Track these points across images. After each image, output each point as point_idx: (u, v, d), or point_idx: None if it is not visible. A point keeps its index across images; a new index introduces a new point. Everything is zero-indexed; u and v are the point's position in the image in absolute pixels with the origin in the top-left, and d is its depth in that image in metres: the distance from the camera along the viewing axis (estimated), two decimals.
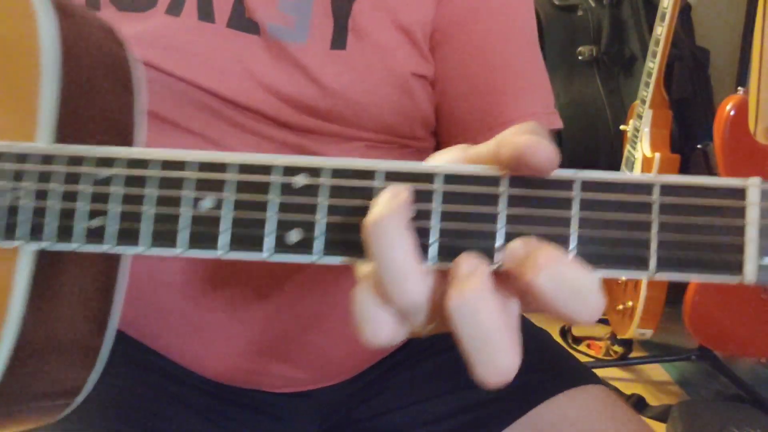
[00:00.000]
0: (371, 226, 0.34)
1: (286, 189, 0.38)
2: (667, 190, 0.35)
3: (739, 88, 1.64)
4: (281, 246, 0.37)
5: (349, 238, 0.37)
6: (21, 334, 0.43)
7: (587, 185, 0.35)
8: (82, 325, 0.48)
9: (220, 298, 0.68)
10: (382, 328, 0.35)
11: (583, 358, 1.82)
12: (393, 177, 0.37)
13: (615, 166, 1.89)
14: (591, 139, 2.03)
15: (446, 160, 0.39)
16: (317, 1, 0.68)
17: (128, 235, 0.39)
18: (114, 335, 0.50)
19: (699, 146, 1.81)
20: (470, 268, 0.35)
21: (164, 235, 0.39)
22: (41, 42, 0.46)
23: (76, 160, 0.40)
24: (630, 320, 1.70)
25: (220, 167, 0.39)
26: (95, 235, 0.39)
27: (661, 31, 1.63)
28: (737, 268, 0.34)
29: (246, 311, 0.69)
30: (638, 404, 1.64)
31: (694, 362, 1.78)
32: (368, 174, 0.37)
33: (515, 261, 0.34)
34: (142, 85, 0.53)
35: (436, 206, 0.36)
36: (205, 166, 0.39)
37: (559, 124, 0.75)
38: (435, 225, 0.36)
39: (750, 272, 0.34)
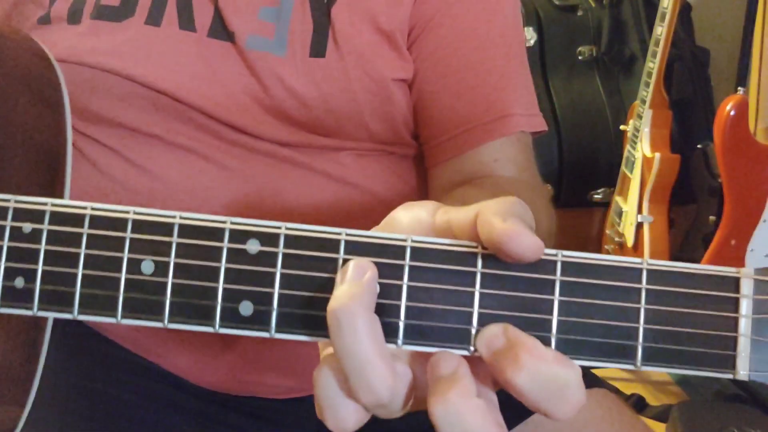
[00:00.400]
0: (333, 314, 0.32)
1: (236, 255, 0.34)
2: (655, 275, 0.33)
3: (739, 88, 1.64)
4: (232, 319, 0.34)
5: (304, 313, 0.34)
6: None
7: (569, 266, 0.33)
8: (6, 365, 0.44)
9: None
10: (346, 419, 0.33)
11: None
12: (356, 249, 0.33)
13: (615, 166, 1.89)
14: (591, 139, 2.03)
15: (412, 218, 0.36)
16: (296, 7, 0.67)
17: (56, 299, 0.35)
18: (41, 370, 0.46)
19: (699, 146, 1.81)
20: (450, 369, 0.32)
21: (99, 300, 0.34)
22: None
23: None
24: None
25: (163, 227, 0.34)
26: (18, 296, 0.35)
27: (661, 31, 1.63)
28: (730, 364, 0.33)
29: None
30: (638, 404, 1.64)
31: None
32: (331, 244, 0.33)
33: (492, 352, 0.32)
34: (67, 104, 0.49)
35: (405, 282, 0.33)
36: (144, 225, 0.35)
37: (542, 126, 0.73)
38: (403, 303, 0.33)
39: (742, 368, 0.32)
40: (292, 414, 0.74)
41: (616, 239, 1.78)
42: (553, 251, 0.33)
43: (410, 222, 0.36)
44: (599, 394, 0.72)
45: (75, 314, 0.35)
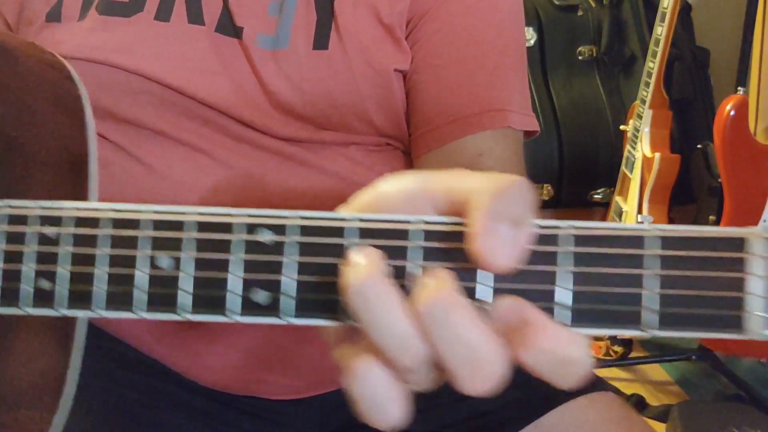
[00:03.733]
0: (355, 290, 0.32)
1: (251, 246, 0.35)
2: (666, 241, 0.33)
3: (739, 88, 1.65)
4: (249, 307, 0.35)
5: (321, 298, 0.34)
6: None
7: (579, 238, 0.33)
8: (39, 372, 0.45)
9: None
10: (394, 407, 0.33)
11: None
12: (369, 234, 0.34)
13: (615, 166, 1.89)
14: (591, 139, 2.03)
15: (403, 189, 0.35)
16: (301, 1, 0.68)
17: (80, 298, 0.36)
18: (77, 377, 0.47)
19: (699, 146, 1.81)
20: (435, 274, 0.33)
21: (119, 298, 0.35)
22: None
23: (18, 219, 0.37)
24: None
25: (177, 225, 0.35)
26: (44, 297, 0.36)
27: (661, 31, 1.63)
28: (738, 324, 0.32)
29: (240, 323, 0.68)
30: (638, 404, 1.64)
31: (694, 362, 1.77)
32: (338, 231, 0.34)
33: (505, 326, 0.33)
34: (90, 112, 0.50)
35: (413, 264, 0.33)
36: (161, 224, 0.36)
37: (533, 126, 0.73)
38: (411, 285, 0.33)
39: (753, 328, 0.32)
40: (295, 415, 0.74)
41: None
42: (560, 222, 0.33)
43: (402, 194, 0.35)
44: (607, 398, 0.72)
45: (97, 312, 0.36)
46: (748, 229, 0.33)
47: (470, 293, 0.33)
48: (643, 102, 1.72)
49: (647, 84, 1.70)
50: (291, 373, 0.71)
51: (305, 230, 0.34)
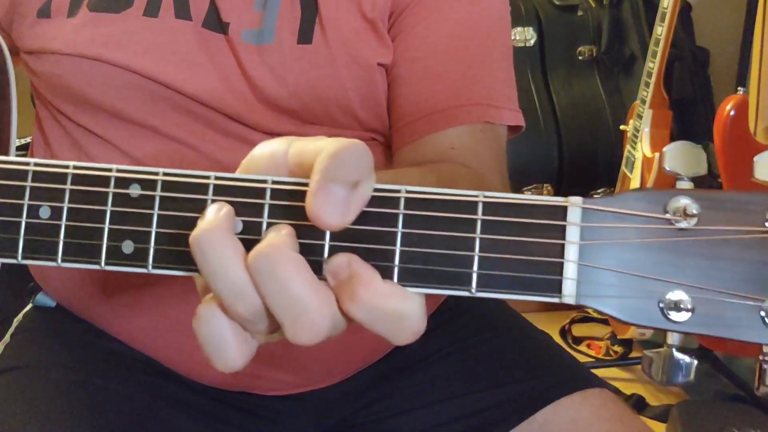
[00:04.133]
0: (195, 241, 0.35)
1: (121, 199, 0.38)
2: (490, 207, 0.35)
3: (739, 88, 1.64)
4: (116, 257, 0.38)
5: (179, 249, 0.37)
6: None
7: (411, 201, 0.35)
8: None
9: None
10: (232, 351, 0.36)
11: (583, 358, 1.82)
12: (224, 191, 0.37)
13: (615, 166, 1.89)
14: (591, 139, 2.03)
15: (268, 152, 0.38)
16: None
17: None
18: None
19: (699, 146, 1.81)
20: (276, 230, 0.35)
21: (2, 243, 0.39)
22: None
23: None
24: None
25: (59, 176, 0.38)
26: None
27: (661, 31, 1.63)
28: (556, 287, 0.34)
29: None
30: (638, 404, 1.64)
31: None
32: (202, 187, 0.37)
33: (336, 280, 0.35)
34: (14, 89, 0.52)
35: (265, 219, 0.36)
36: (43, 175, 0.38)
37: (515, 120, 0.72)
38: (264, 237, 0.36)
39: (568, 292, 0.34)
40: (290, 412, 0.74)
41: None
42: (397, 187, 0.35)
43: (266, 157, 0.38)
44: (602, 395, 0.72)
45: None
46: (569, 198, 0.34)
47: (309, 249, 0.35)
48: (643, 102, 1.72)
49: (647, 84, 1.70)
50: (285, 368, 0.71)
51: (167, 186, 0.37)
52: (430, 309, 0.79)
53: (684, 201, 0.33)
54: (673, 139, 1.76)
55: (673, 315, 0.33)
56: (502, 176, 0.70)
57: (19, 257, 0.38)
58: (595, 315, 2.00)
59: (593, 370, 0.78)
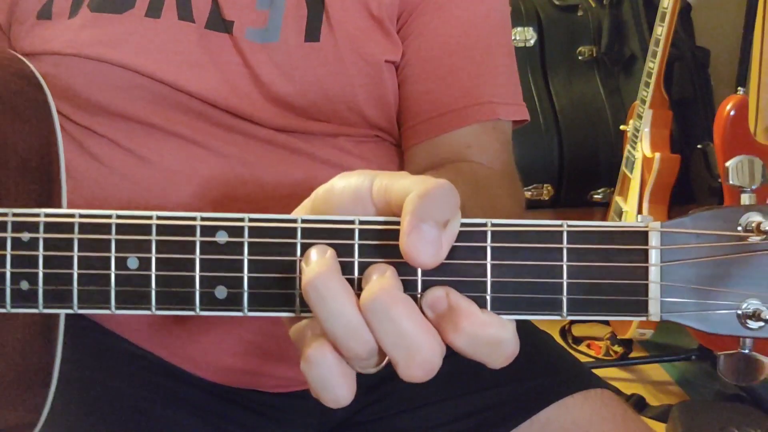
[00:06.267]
0: (311, 284, 0.36)
1: (209, 247, 0.39)
2: (574, 236, 0.37)
3: (739, 88, 1.64)
4: (210, 303, 0.39)
5: (272, 292, 0.38)
6: None
7: (498, 234, 0.37)
8: (27, 355, 0.48)
9: None
10: (342, 388, 0.37)
11: (583, 358, 1.82)
12: (311, 233, 0.38)
13: (615, 166, 1.89)
14: (591, 139, 2.03)
15: (350, 188, 0.38)
16: None
17: (57, 297, 0.40)
18: (59, 357, 0.50)
19: (699, 146, 1.81)
20: (380, 271, 0.36)
21: (94, 295, 0.39)
22: None
23: None
24: (630, 320, 1.70)
25: (143, 227, 0.39)
26: (24, 297, 0.40)
27: (661, 31, 1.63)
28: (643, 308, 0.36)
29: None
30: (638, 404, 1.64)
31: (694, 362, 1.77)
32: (289, 230, 0.38)
33: (436, 313, 0.37)
34: (53, 111, 0.52)
35: (356, 258, 0.38)
36: (126, 227, 0.39)
37: (522, 115, 0.74)
38: (356, 275, 0.38)
39: (654, 311, 0.36)
40: (294, 410, 0.74)
41: None
42: (483, 221, 0.37)
43: (349, 193, 0.38)
44: (603, 395, 0.72)
45: (75, 309, 0.39)
46: (649, 223, 0.37)
47: (406, 285, 0.37)
48: (643, 102, 1.72)
49: (647, 84, 1.70)
50: (289, 363, 0.72)
51: (254, 231, 0.38)
52: None
53: (757, 218, 0.36)
54: (673, 139, 1.76)
55: (751, 323, 0.36)
56: (514, 168, 0.73)
57: (113, 308, 0.39)
58: None
59: (593, 370, 0.78)
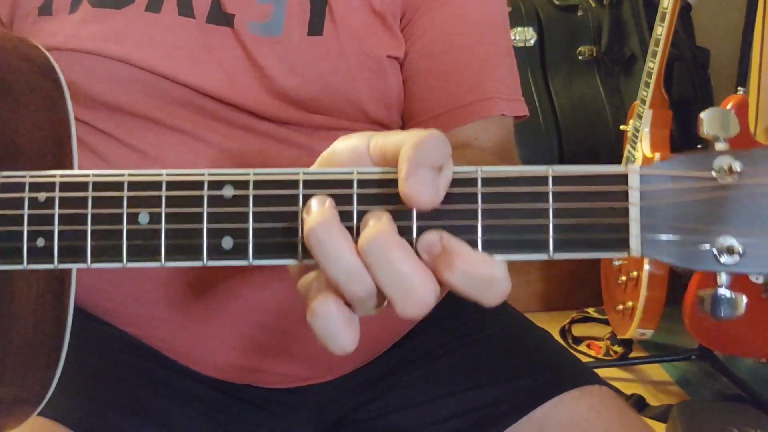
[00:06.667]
0: (312, 232, 0.38)
1: (216, 200, 0.41)
2: (559, 180, 0.39)
3: (739, 88, 1.64)
4: (217, 253, 0.41)
5: (276, 242, 0.40)
6: None
7: (487, 180, 0.39)
8: (38, 332, 0.49)
9: (211, 292, 0.68)
10: (347, 335, 0.40)
11: (583, 358, 1.81)
12: (312, 185, 0.40)
13: None
14: (591, 139, 2.03)
15: (349, 147, 0.41)
16: None
17: (71, 252, 0.42)
18: (68, 338, 0.51)
19: (699, 146, 1.81)
20: (376, 216, 0.39)
21: (107, 250, 0.41)
22: None
23: (11, 187, 0.42)
24: (630, 320, 1.70)
25: (153, 184, 0.41)
26: (40, 254, 0.42)
27: (661, 31, 1.63)
28: (624, 245, 0.39)
29: (238, 305, 0.69)
30: (638, 404, 1.64)
31: (694, 362, 1.77)
32: (292, 182, 0.40)
33: (431, 255, 0.39)
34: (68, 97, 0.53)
35: (355, 206, 0.40)
36: (138, 184, 0.41)
37: (523, 111, 0.76)
38: (354, 223, 0.40)
39: (635, 247, 0.38)
40: (291, 404, 0.74)
41: None
42: (474, 168, 0.39)
43: (348, 152, 0.41)
44: (601, 391, 0.72)
45: (88, 264, 0.41)
46: (628, 166, 0.39)
47: (402, 230, 0.39)
48: (643, 102, 1.72)
49: (647, 84, 1.70)
50: (288, 358, 0.72)
51: (259, 184, 0.40)
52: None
53: (727, 160, 0.37)
54: (673, 139, 1.76)
55: (725, 258, 0.38)
56: (518, 161, 0.76)
57: (124, 261, 0.41)
58: (595, 315, 2.01)
59: (594, 371, 0.78)
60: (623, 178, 0.39)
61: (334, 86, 0.69)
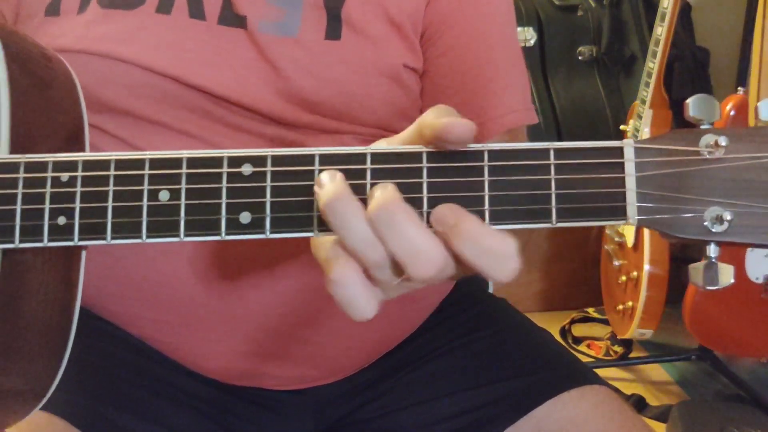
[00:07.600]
0: (328, 206, 0.41)
1: (235, 177, 0.43)
2: (560, 153, 0.42)
3: (739, 88, 1.64)
4: (235, 227, 0.42)
5: (294, 216, 0.43)
6: None
7: (494, 154, 0.42)
8: (48, 320, 0.50)
9: (215, 293, 0.68)
10: (367, 303, 0.41)
11: (583, 358, 1.81)
12: (327, 160, 0.42)
13: None
14: (591, 139, 2.02)
15: (408, 131, 0.44)
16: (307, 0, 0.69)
17: (92, 230, 0.43)
18: (73, 332, 0.52)
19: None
20: (382, 186, 0.41)
21: (126, 226, 0.43)
22: None
23: (35, 167, 0.44)
24: (630, 320, 1.70)
25: (173, 161, 0.43)
26: (61, 231, 0.43)
27: (661, 31, 1.63)
28: (622, 213, 0.41)
29: (241, 306, 0.69)
30: (638, 404, 1.64)
31: (694, 362, 1.78)
32: (308, 159, 0.43)
33: (443, 227, 0.41)
34: (81, 92, 0.55)
35: (368, 180, 0.42)
36: (158, 162, 0.43)
37: (534, 119, 0.78)
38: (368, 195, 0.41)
39: (631, 215, 0.41)
40: (292, 405, 0.74)
41: (616, 239, 1.78)
42: (481, 145, 0.42)
43: (406, 134, 0.44)
44: (600, 391, 0.72)
45: (108, 240, 0.43)
46: (623, 141, 0.42)
47: (414, 202, 0.42)
48: (643, 102, 1.72)
49: (647, 84, 1.70)
50: (290, 360, 0.72)
51: (276, 161, 0.43)
52: (432, 307, 0.80)
53: (713, 136, 0.41)
54: None
55: (715, 227, 0.41)
56: None
57: (144, 236, 0.42)
58: (595, 315, 2.01)
59: (595, 370, 0.78)
60: (619, 151, 0.42)
61: (350, 91, 0.69)
